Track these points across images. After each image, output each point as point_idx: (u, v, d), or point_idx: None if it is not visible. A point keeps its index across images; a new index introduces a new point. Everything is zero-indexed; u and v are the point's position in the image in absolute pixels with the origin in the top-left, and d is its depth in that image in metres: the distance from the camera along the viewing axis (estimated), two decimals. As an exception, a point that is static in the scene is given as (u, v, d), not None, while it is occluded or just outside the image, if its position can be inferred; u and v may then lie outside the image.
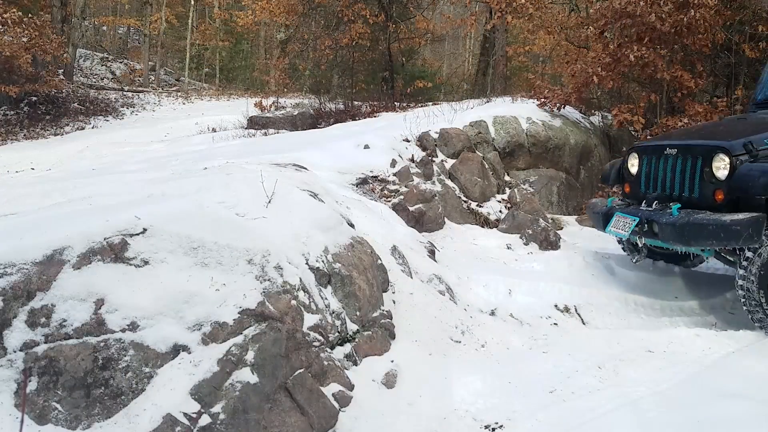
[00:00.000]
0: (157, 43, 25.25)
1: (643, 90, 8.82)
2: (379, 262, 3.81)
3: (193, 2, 26.42)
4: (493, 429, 2.89)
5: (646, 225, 4.26)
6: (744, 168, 3.91)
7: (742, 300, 3.94)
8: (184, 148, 9.69)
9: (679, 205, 4.20)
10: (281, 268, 2.93)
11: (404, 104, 13.09)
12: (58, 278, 2.56)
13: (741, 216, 3.79)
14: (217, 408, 2.43)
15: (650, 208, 4.36)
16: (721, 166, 4.01)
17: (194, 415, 2.38)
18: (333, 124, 10.93)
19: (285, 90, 18.39)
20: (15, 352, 2.41)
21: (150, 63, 23.99)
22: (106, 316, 2.51)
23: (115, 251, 2.69)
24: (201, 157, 6.96)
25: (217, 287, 2.70)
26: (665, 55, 8.06)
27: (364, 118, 11.31)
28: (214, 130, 12.11)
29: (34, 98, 15.03)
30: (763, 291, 3.84)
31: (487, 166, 6.91)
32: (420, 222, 5.47)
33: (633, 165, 4.79)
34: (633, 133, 10.13)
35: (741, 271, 3.91)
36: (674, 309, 4.58)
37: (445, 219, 5.85)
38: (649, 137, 8.78)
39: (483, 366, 3.47)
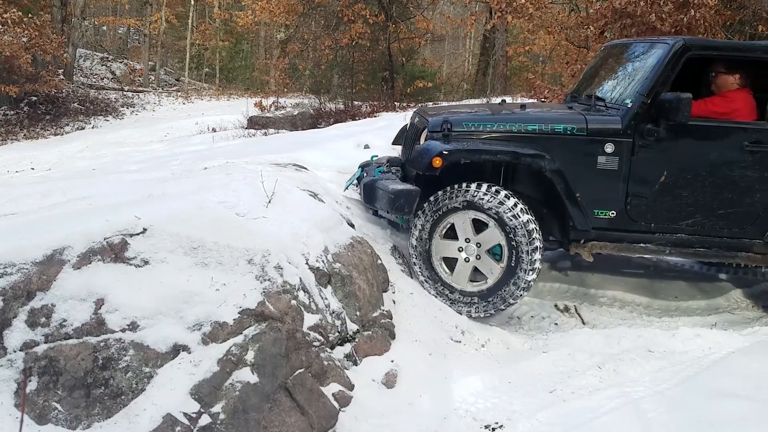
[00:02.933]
0: (157, 43, 25.27)
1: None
2: (379, 262, 3.81)
3: (193, 2, 26.44)
4: (493, 429, 2.89)
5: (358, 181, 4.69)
6: (421, 144, 4.16)
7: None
8: (184, 148, 9.70)
9: (382, 169, 4.52)
10: (281, 268, 2.93)
11: (404, 104, 13.11)
12: (58, 278, 2.56)
13: (400, 186, 4.00)
14: (217, 408, 2.43)
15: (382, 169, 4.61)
16: (422, 140, 4.25)
17: (194, 415, 2.39)
18: (333, 124, 10.94)
19: (285, 90, 18.41)
20: (15, 352, 2.41)
21: (150, 63, 24.01)
22: (106, 316, 2.51)
23: (115, 251, 2.69)
24: (201, 157, 6.96)
25: (217, 287, 2.70)
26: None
27: (364, 118, 11.33)
28: (214, 130, 12.13)
29: (34, 98, 15.04)
30: (420, 261, 4.11)
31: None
32: (420, 222, 5.46)
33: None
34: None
35: (410, 240, 4.17)
36: (674, 309, 4.58)
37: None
38: None
39: (483, 366, 3.47)
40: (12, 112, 14.81)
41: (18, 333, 2.44)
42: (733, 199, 4.03)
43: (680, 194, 4.04)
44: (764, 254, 4.11)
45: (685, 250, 4.13)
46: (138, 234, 2.78)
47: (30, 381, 2.36)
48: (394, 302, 3.73)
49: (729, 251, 4.13)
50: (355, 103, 13.24)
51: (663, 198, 4.05)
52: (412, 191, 3.94)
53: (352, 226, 3.95)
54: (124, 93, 19.56)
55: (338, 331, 3.18)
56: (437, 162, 3.91)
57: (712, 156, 4.00)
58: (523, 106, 4.43)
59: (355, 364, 3.17)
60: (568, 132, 4.01)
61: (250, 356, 2.57)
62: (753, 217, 4.06)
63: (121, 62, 25.04)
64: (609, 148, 3.98)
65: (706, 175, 4.01)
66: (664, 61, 3.97)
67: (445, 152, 3.91)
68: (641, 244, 4.13)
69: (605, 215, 4.08)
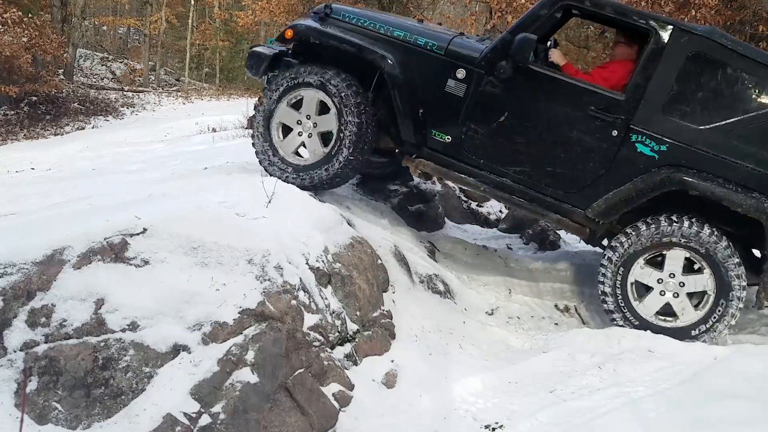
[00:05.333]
0: (157, 43, 25.26)
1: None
2: (379, 262, 3.81)
3: (193, 2, 26.44)
4: (493, 429, 2.89)
5: None
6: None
7: None
8: (184, 147, 9.70)
9: (272, 39, 4.68)
10: (281, 268, 2.93)
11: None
12: (58, 278, 2.57)
13: (258, 49, 4.34)
14: (217, 408, 2.43)
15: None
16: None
17: (194, 415, 2.39)
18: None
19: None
20: (15, 352, 2.41)
21: (150, 63, 24.01)
22: (106, 315, 2.52)
23: (115, 251, 2.69)
24: (201, 156, 6.97)
25: (217, 287, 2.70)
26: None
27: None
28: (214, 130, 12.12)
29: (34, 98, 15.04)
30: (261, 118, 4.20)
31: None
32: (420, 222, 5.47)
33: None
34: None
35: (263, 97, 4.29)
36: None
37: (445, 219, 5.85)
38: None
39: (483, 366, 3.47)
40: (12, 112, 14.80)
41: (18, 333, 2.45)
42: (565, 161, 3.93)
43: (515, 140, 3.99)
44: (581, 225, 4.04)
45: (505, 195, 4.09)
46: (138, 234, 2.79)
47: (30, 381, 2.36)
48: (394, 302, 3.73)
49: (547, 210, 4.04)
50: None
51: (498, 138, 4.00)
52: (263, 54, 4.21)
53: (352, 226, 3.95)
54: (124, 93, 19.56)
55: (338, 331, 3.18)
56: (288, 33, 4.17)
57: (555, 111, 3.90)
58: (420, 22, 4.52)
59: (355, 364, 3.17)
60: (428, 47, 4.04)
61: (250, 356, 2.57)
62: (580, 185, 3.94)
63: (121, 62, 25.04)
64: (460, 74, 3.97)
65: (544, 128, 3.93)
66: (538, 6, 3.94)
67: (299, 27, 4.17)
68: (466, 176, 4.10)
69: (441, 138, 4.08)
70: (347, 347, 3.18)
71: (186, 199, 3.38)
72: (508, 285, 4.64)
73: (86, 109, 16.18)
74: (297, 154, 4.22)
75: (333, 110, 4.01)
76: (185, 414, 2.37)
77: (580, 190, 3.95)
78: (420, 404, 3.05)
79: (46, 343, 2.44)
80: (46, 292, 2.53)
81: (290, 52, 4.30)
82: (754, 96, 3.71)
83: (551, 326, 4.26)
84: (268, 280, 2.83)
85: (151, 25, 24.06)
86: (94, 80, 21.25)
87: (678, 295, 3.80)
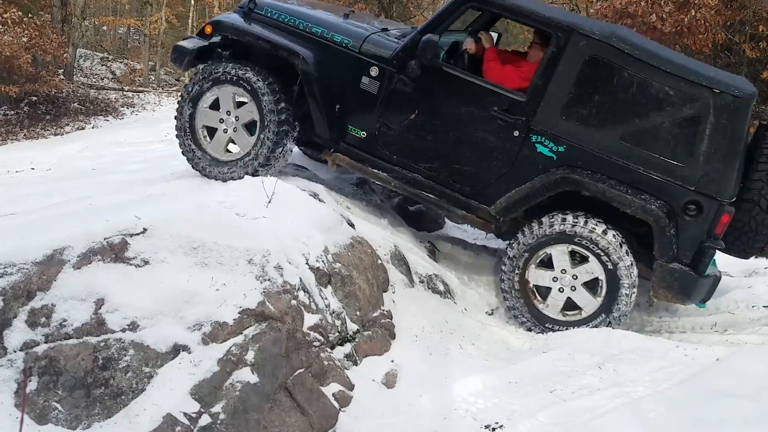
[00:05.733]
0: (157, 43, 25.23)
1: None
2: (379, 262, 3.81)
3: (193, 2, 26.43)
4: (493, 429, 2.89)
5: None
6: None
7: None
8: (184, 148, 9.66)
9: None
10: (281, 268, 2.93)
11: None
12: (58, 278, 2.57)
13: (181, 43, 4.38)
14: (217, 408, 2.43)
15: None
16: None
17: (194, 415, 2.39)
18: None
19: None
20: (15, 351, 2.41)
21: (150, 63, 24.00)
22: (106, 315, 2.52)
23: (115, 251, 2.69)
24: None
25: (217, 287, 2.70)
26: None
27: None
28: (214, 130, 12.09)
29: (34, 98, 15.02)
30: (189, 143, 4.32)
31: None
32: (420, 222, 5.47)
33: None
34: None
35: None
36: (674, 309, 4.57)
37: (445, 219, 5.85)
38: None
39: (483, 366, 3.47)
40: (12, 112, 14.79)
41: (18, 333, 2.45)
42: (472, 159, 4.05)
43: (425, 137, 4.10)
44: (486, 221, 4.15)
45: (416, 190, 4.18)
46: (138, 234, 2.79)
47: (30, 381, 2.36)
48: (394, 302, 3.73)
49: (455, 206, 4.15)
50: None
51: (409, 135, 4.12)
52: (185, 48, 4.24)
53: (352, 226, 3.95)
54: (124, 93, 19.55)
55: (338, 331, 3.18)
56: (208, 29, 4.27)
57: (461, 110, 4.01)
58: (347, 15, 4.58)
59: (355, 364, 3.17)
60: (343, 45, 4.15)
61: (250, 356, 2.57)
62: (486, 183, 4.05)
63: (121, 62, 25.02)
64: (374, 71, 4.09)
65: (452, 126, 4.05)
66: (446, 6, 4.06)
67: (219, 23, 4.27)
68: (380, 172, 4.21)
69: (357, 134, 4.21)
70: (347, 347, 3.18)
71: (186, 199, 3.38)
72: (508, 285, 4.63)
73: (86, 109, 16.17)
74: (228, 150, 4.34)
75: (250, 100, 4.10)
76: (185, 414, 2.37)
77: (485, 187, 4.06)
78: (420, 404, 3.05)
79: (46, 343, 2.44)
80: (46, 292, 2.54)
81: (220, 44, 4.37)
82: (647, 100, 3.75)
83: (551, 326, 4.25)
84: (268, 280, 2.83)
85: (151, 25, 24.04)
86: (94, 80, 21.23)
87: (575, 288, 3.92)
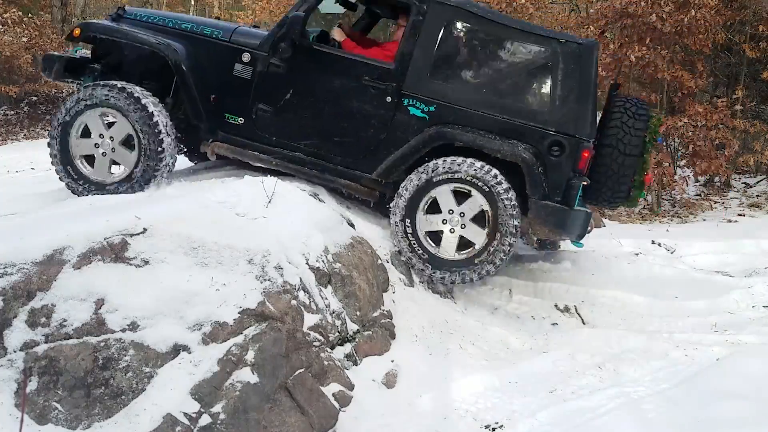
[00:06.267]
0: (157, 43, 25.22)
1: (643, 90, 8.82)
2: (379, 262, 3.81)
3: (193, 2, 26.41)
4: (493, 429, 2.89)
5: None
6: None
7: None
8: (184, 148, 9.66)
9: (79, 48, 4.98)
10: (281, 268, 2.93)
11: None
12: (58, 278, 2.57)
13: (52, 52, 4.77)
14: (217, 408, 2.43)
15: None
16: None
17: (194, 415, 2.39)
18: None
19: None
20: (15, 352, 2.41)
21: (150, 63, 23.97)
22: (106, 315, 2.52)
23: (115, 251, 2.69)
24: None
25: (217, 287, 2.70)
26: (666, 56, 8.06)
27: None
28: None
29: (34, 98, 15.01)
30: (70, 174, 4.22)
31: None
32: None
33: None
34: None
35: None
36: (674, 309, 4.57)
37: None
38: None
39: (483, 366, 3.47)
40: (12, 112, 14.79)
41: (18, 333, 2.45)
42: (350, 130, 4.20)
43: (302, 115, 4.25)
44: (370, 188, 4.27)
45: (298, 168, 4.28)
46: (138, 234, 2.79)
47: (30, 381, 2.36)
48: (394, 302, 3.73)
49: (338, 178, 4.26)
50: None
51: (286, 115, 4.26)
52: (53, 57, 4.40)
53: (352, 226, 3.95)
54: (124, 93, 19.52)
55: (338, 331, 3.18)
56: (76, 32, 4.34)
57: (334, 84, 4.19)
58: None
59: (355, 364, 3.17)
60: (214, 36, 4.32)
61: (250, 356, 2.57)
62: (366, 151, 4.20)
63: (121, 62, 25.00)
64: (246, 57, 4.24)
65: (327, 101, 4.21)
66: None
67: (87, 24, 4.42)
68: (262, 155, 4.30)
69: (235, 121, 4.31)
70: (347, 347, 3.18)
71: (186, 199, 3.38)
72: (508, 285, 4.64)
73: (86, 109, 16.15)
74: (111, 171, 4.28)
75: (120, 116, 4.10)
76: (185, 414, 2.37)
77: (366, 155, 4.21)
78: (420, 404, 3.05)
79: (46, 343, 2.44)
80: (46, 292, 2.54)
81: (91, 57, 4.49)
82: (503, 56, 4.19)
83: (551, 326, 4.25)
84: (268, 280, 2.83)
85: (151, 25, 24.01)
86: (94, 80, 21.22)
87: (465, 225, 4.05)
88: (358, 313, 3.36)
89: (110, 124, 4.16)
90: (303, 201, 3.68)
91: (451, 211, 4.03)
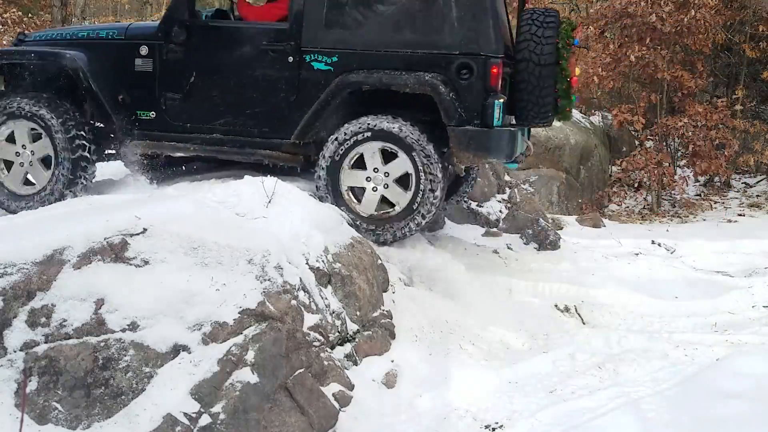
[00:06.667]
0: (157, 43, 25.24)
1: (643, 90, 8.83)
2: (379, 262, 3.81)
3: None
4: (493, 429, 2.89)
5: None
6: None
7: None
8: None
9: None
10: (281, 268, 2.93)
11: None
12: (58, 278, 2.57)
13: None
14: (217, 408, 2.43)
15: None
16: None
17: (194, 415, 2.39)
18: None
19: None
20: (15, 352, 2.41)
21: (150, 63, 23.99)
22: (106, 315, 2.51)
23: (115, 251, 2.69)
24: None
25: (217, 287, 2.70)
26: (665, 56, 8.06)
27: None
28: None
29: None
30: None
31: (487, 166, 6.89)
32: (420, 222, 5.46)
33: None
34: (633, 133, 10.15)
35: None
36: (674, 309, 4.57)
37: (445, 219, 5.85)
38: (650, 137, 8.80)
39: (483, 366, 3.47)
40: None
41: (18, 333, 2.45)
42: (259, 99, 4.20)
43: (210, 95, 4.26)
44: (293, 153, 4.27)
45: (217, 148, 4.31)
46: (138, 234, 2.78)
47: (30, 381, 2.36)
48: (394, 302, 3.73)
49: (261, 150, 4.26)
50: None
51: (195, 99, 4.27)
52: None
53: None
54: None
55: (338, 331, 3.18)
56: None
57: (234, 57, 4.19)
58: None
59: (355, 364, 3.17)
60: (109, 36, 4.39)
61: (250, 356, 2.57)
62: (280, 117, 4.20)
63: (121, 62, 25.02)
64: (144, 50, 4.27)
65: (230, 75, 4.22)
66: None
67: None
68: (179, 143, 4.34)
69: (147, 116, 4.34)
70: (347, 347, 3.18)
71: (186, 199, 3.38)
72: (508, 285, 4.64)
73: (86, 109, 16.16)
74: (28, 182, 4.40)
75: (45, 135, 4.19)
76: (185, 414, 2.37)
77: (280, 121, 4.21)
78: (420, 404, 3.05)
79: (46, 343, 2.44)
80: (46, 292, 2.53)
81: (4, 88, 4.57)
82: None
83: (551, 326, 4.25)
84: (268, 280, 2.83)
85: (151, 25, 24.04)
86: (94, 80, 21.23)
87: (388, 185, 4.05)
88: (358, 313, 3.36)
89: (36, 138, 4.27)
90: (303, 201, 3.67)
91: (376, 170, 4.04)
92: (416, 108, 4.04)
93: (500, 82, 3.99)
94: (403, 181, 4.02)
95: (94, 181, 4.46)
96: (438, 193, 4.00)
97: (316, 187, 4.14)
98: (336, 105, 4.06)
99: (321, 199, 4.10)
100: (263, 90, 4.18)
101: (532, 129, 5.03)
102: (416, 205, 4.00)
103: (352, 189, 4.11)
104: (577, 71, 4.52)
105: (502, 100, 4.01)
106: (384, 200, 4.09)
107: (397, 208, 4.07)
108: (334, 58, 4.07)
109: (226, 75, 4.21)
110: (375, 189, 4.06)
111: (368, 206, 4.09)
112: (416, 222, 4.06)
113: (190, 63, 4.23)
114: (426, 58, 3.98)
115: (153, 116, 4.32)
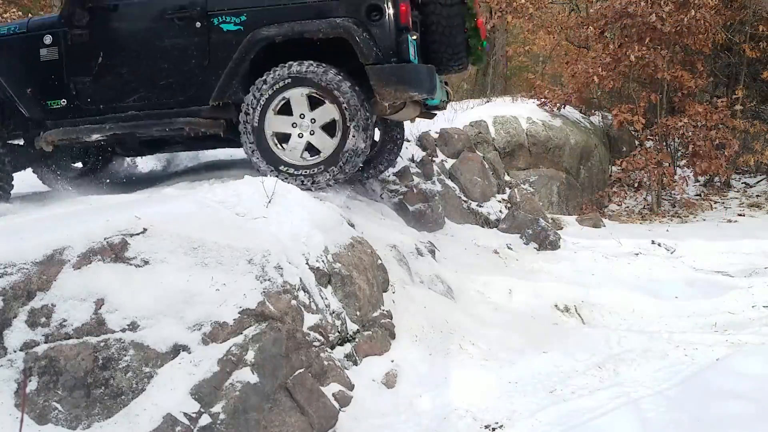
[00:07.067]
0: (157, 43, 25.21)
1: (643, 90, 8.83)
2: (379, 262, 3.81)
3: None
4: (493, 429, 2.89)
5: None
6: None
7: None
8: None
9: None
10: (281, 268, 2.93)
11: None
12: (58, 278, 2.56)
13: None
14: (217, 408, 2.43)
15: None
16: None
17: (194, 415, 2.39)
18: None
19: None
20: (15, 352, 2.41)
21: (150, 63, 23.97)
22: (106, 315, 2.51)
23: (115, 251, 2.69)
24: (201, 156, 6.95)
25: (217, 287, 2.70)
26: (665, 56, 8.06)
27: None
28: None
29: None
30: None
31: (487, 166, 6.90)
32: (420, 222, 5.47)
33: None
34: (633, 133, 10.15)
35: None
36: (674, 309, 4.57)
37: (446, 219, 5.85)
38: (649, 138, 8.80)
39: (483, 366, 3.47)
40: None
41: (18, 333, 2.45)
42: (171, 69, 4.20)
43: (120, 73, 4.25)
44: (214, 118, 4.25)
45: (138, 123, 4.27)
46: (138, 234, 2.78)
47: (30, 381, 2.36)
48: (394, 302, 3.73)
49: (180, 118, 4.24)
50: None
51: (105, 79, 4.26)
52: None
53: (353, 226, 3.95)
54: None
55: (338, 331, 3.18)
56: None
57: (140, 32, 4.21)
58: None
59: (355, 364, 3.17)
60: (11, 32, 4.37)
61: (250, 356, 2.57)
62: (194, 85, 4.20)
63: (121, 62, 25.00)
64: (48, 39, 4.26)
65: (139, 50, 4.22)
66: None
67: None
68: (95, 125, 4.28)
69: (58, 105, 4.31)
70: (347, 347, 3.18)
71: (186, 199, 3.38)
72: (508, 285, 4.64)
73: (86, 109, 16.18)
74: None
75: None
76: (185, 414, 2.37)
77: (197, 88, 4.21)
78: (420, 404, 3.05)
79: (46, 343, 2.44)
80: (46, 292, 2.53)
81: None
82: None
83: (551, 326, 4.25)
84: (268, 280, 2.83)
85: (151, 25, 24.02)
86: (94, 80, 21.23)
87: (314, 132, 4.10)
88: (358, 313, 3.36)
89: None
90: (303, 201, 3.67)
91: (302, 116, 4.06)
92: (335, 59, 4.03)
93: (410, 20, 4.05)
94: (329, 128, 4.05)
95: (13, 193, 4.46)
96: (363, 143, 4.03)
97: (242, 142, 4.14)
98: (251, 63, 4.07)
99: (247, 154, 4.14)
100: (174, 60, 4.18)
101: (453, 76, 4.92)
102: (341, 152, 4.03)
103: (276, 135, 4.12)
104: (482, 17, 4.60)
105: (415, 38, 4.08)
106: (310, 147, 4.12)
107: (323, 155, 4.09)
108: (243, 17, 4.09)
109: (135, 51, 4.22)
110: (301, 135, 4.09)
111: (293, 152, 4.11)
112: (341, 170, 4.08)
113: (96, 44, 4.22)
114: (335, 4, 4.01)
115: (64, 104, 4.30)
